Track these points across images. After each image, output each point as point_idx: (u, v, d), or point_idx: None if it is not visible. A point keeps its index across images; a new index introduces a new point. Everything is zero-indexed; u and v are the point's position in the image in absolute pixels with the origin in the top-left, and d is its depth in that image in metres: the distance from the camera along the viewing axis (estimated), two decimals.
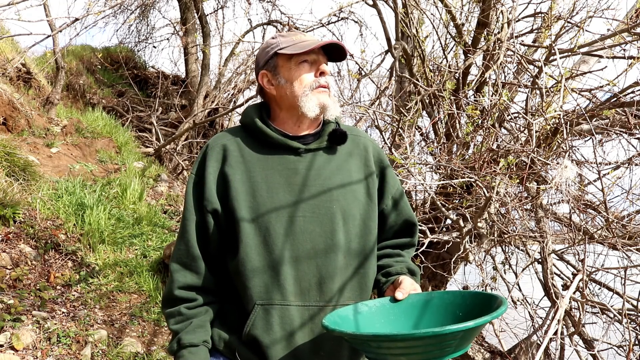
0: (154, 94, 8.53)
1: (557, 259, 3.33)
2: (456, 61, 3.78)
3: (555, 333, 2.63)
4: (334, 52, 1.31)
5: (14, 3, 2.86)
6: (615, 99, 3.01)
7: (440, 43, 3.83)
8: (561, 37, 3.26)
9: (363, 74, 3.81)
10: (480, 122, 3.26)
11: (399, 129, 3.44)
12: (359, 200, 1.30)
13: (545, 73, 3.00)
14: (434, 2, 3.82)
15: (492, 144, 3.09)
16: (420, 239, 2.75)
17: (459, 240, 3.13)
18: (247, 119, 1.33)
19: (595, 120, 3.27)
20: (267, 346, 1.19)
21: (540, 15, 3.59)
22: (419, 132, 4.09)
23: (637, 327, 2.85)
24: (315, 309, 1.22)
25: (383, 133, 3.51)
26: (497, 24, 3.38)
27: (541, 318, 3.42)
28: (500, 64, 3.15)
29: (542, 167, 2.95)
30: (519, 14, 3.57)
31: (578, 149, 3.51)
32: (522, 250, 3.65)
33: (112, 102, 8.33)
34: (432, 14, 3.83)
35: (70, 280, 3.47)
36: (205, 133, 8.29)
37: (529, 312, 3.52)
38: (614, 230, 2.94)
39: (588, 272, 2.82)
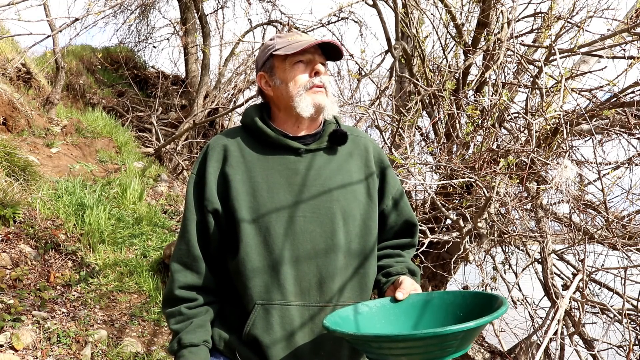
0: (154, 94, 8.53)
1: (557, 259, 3.34)
2: (456, 61, 3.78)
3: (555, 333, 2.63)
4: (332, 51, 1.31)
5: (14, 3, 2.86)
6: (615, 99, 3.01)
7: (440, 43, 3.83)
8: (561, 37, 3.26)
9: (363, 74, 3.81)
10: (480, 122, 3.26)
11: (399, 129, 3.44)
12: (359, 200, 1.30)
13: (545, 73, 3.00)
14: (434, 2, 3.83)
15: (492, 144, 3.09)
16: (420, 239, 2.75)
17: (459, 240, 3.13)
18: (247, 119, 1.33)
19: (595, 120, 3.27)
20: (267, 346, 1.19)
21: (540, 15, 3.59)
22: (419, 132, 4.09)
23: (637, 327, 2.85)
24: (316, 309, 1.22)
25: (383, 133, 3.51)
26: (497, 24, 3.38)
27: (541, 318, 3.42)
28: (500, 64, 3.15)
29: (542, 167, 2.95)
30: (519, 14, 3.57)
31: (578, 149, 3.52)
32: (522, 250, 3.66)
33: (112, 102, 8.33)
34: (432, 14, 3.84)
35: (70, 280, 3.47)
36: (205, 133, 8.29)
37: (529, 312, 3.53)
38: (614, 230, 2.94)
39: (588, 272, 2.82)
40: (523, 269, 3.35)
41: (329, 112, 1.30)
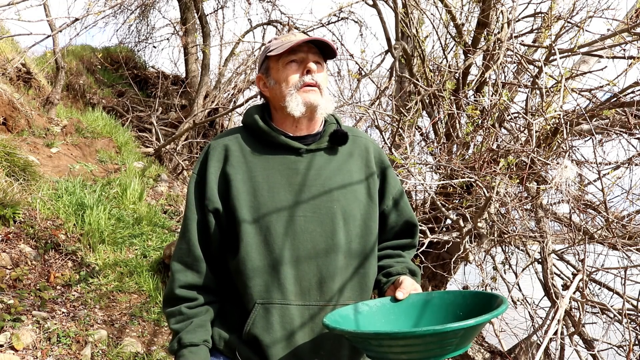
0: (154, 94, 8.53)
1: (557, 259, 3.34)
2: (456, 61, 3.78)
3: (555, 333, 2.63)
4: (327, 49, 1.31)
5: (14, 3, 2.86)
6: (615, 99, 3.01)
7: (440, 43, 3.83)
8: (561, 37, 3.26)
9: (363, 74, 3.81)
10: (480, 122, 3.26)
11: (399, 129, 3.44)
12: (360, 200, 1.30)
13: (545, 73, 3.00)
14: (434, 2, 3.83)
15: (492, 144, 3.09)
16: (420, 239, 2.75)
17: (459, 240, 3.13)
18: (249, 119, 1.34)
19: (595, 120, 3.27)
20: (267, 345, 1.19)
21: (540, 15, 3.59)
22: (419, 132, 4.10)
23: (637, 327, 2.85)
24: (316, 308, 1.22)
25: (383, 133, 3.51)
26: (497, 24, 3.38)
27: (541, 318, 3.42)
28: (500, 64, 3.15)
29: (542, 167, 2.95)
30: (519, 14, 3.57)
31: (578, 149, 3.52)
32: (522, 250, 3.66)
33: (112, 102, 8.33)
34: (432, 14, 3.84)
35: (70, 280, 3.47)
36: (205, 133, 8.29)
37: (529, 312, 3.52)
38: (614, 230, 2.94)
39: (588, 272, 2.82)
40: (523, 269, 3.35)
41: (324, 111, 1.30)
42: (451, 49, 3.85)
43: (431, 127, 3.76)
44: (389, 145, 3.21)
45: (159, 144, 6.86)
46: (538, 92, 3.03)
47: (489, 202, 2.66)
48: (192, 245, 1.25)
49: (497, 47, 3.18)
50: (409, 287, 1.22)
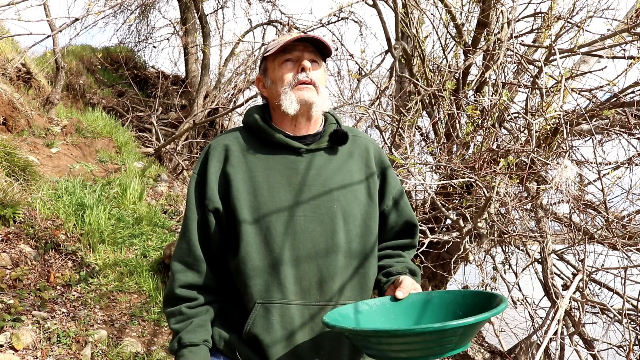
0: (154, 94, 8.53)
1: (557, 259, 3.34)
2: (456, 61, 3.78)
3: (555, 333, 2.63)
4: (323, 47, 1.31)
5: (14, 3, 2.86)
6: (615, 99, 3.01)
7: (440, 43, 3.84)
8: (561, 37, 3.27)
9: (363, 74, 3.81)
10: (480, 122, 3.26)
11: (399, 129, 3.44)
12: (360, 200, 1.30)
13: (545, 73, 3.00)
14: (434, 2, 3.83)
15: (492, 144, 3.09)
16: (420, 239, 2.75)
17: (459, 240, 3.13)
18: (249, 119, 1.34)
19: (595, 120, 3.27)
20: (267, 345, 1.19)
21: (540, 15, 3.59)
22: (419, 132, 4.10)
23: (637, 327, 2.85)
24: (316, 308, 1.22)
25: (383, 133, 3.51)
26: (497, 24, 3.38)
27: (541, 318, 3.42)
28: (500, 64, 3.15)
29: (542, 167, 2.95)
30: (519, 14, 3.57)
31: (578, 149, 3.52)
32: (522, 250, 3.66)
33: (112, 102, 8.33)
34: (432, 14, 3.84)
35: (70, 280, 3.47)
36: (205, 133, 8.29)
37: (529, 312, 3.53)
38: (614, 230, 2.94)
39: (588, 272, 2.82)
40: (523, 269, 3.35)
41: (319, 108, 1.29)
42: (451, 49, 3.85)
43: (431, 127, 3.76)
44: (389, 145, 3.21)
45: (159, 144, 6.87)
46: (538, 92, 3.04)
47: (489, 202, 2.66)
48: (192, 245, 1.25)
49: (497, 47, 3.18)
50: (409, 286, 1.22)
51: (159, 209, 5.15)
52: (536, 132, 2.77)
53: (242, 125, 1.39)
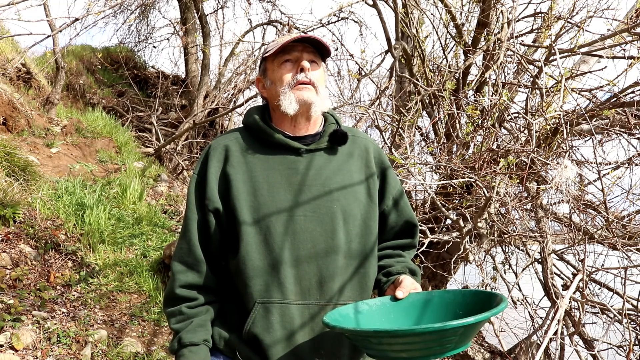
0: (154, 94, 8.53)
1: (557, 259, 3.34)
2: (456, 61, 3.78)
3: (555, 333, 2.63)
4: (322, 47, 1.32)
5: (14, 3, 2.86)
6: (615, 99, 3.01)
7: (440, 43, 3.84)
8: (561, 37, 3.27)
9: (363, 74, 3.81)
10: (480, 122, 3.26)
11: (399, 129, 3.44)
12: (360, 200, 1.30)
13: (545, 73, 3.00)
14: (434, 2, 3.83)
15: (492, 144, 3.09)
16: (420, 239, 2.75)
17: (459, 240, 3.13)
18: (249, 119, 1.34)
19: (595, 120, 3.27)
20: (267, 345, 1.19)
21: (540, 15, 3.59)
22: (419, 132, 4.10)
23: (637, 327, 2.85)
24: (316, 308, 1.22)
25: (383, 133, 3.51)
26: (497, 24, 3.38)
27: (541, 318, 3.42)
28: (500, 64, 3.15)
29: (542, 167, 2.95)
30: (519, 14, 3.57)
31: (578, 149, 3.52)
32: (522, 250, 3.66)
33: (112, 102, 8.33)
34: (432, 14, 3.84)
35: (70, 280, 3.47)
36: (205, 133, 8.29)
37: (529, 312, 3.52)
38: (614, 230, 2.94)
39: (588, 272, 2.82)
40: (523, 269, 3.35)
41: (318, 108, 1.29)
42: (451, 49, 3.85)
43: (431, 127, 3.76)
44: (389, 145, 3.21)
45: (159, 144, 6.87)
46: (538, 92, 3.04)
47: (489, 202, 2.66)
48: (192, 245, 1.25)
49: (497, 47, 3.18)
50: (409, 286, 1.22)
51: (159, 209, 5.15)
52: (536, 132, 2.77)
53: (242, 125, 1.39)
